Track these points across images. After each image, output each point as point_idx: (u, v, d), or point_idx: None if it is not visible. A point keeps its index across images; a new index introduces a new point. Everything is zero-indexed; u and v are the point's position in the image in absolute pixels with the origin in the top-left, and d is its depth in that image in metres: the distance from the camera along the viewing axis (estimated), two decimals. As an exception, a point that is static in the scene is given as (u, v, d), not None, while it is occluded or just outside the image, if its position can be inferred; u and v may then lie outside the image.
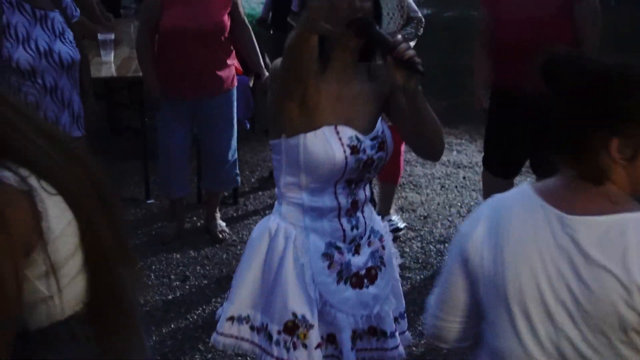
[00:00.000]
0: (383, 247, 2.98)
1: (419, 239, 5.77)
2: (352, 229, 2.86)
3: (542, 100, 4.63)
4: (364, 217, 2.90)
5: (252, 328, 2.87)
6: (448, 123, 8.41)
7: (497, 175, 5.31)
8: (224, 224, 5.82)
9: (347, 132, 2.73)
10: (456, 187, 6.78)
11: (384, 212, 5.82)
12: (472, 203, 6.35)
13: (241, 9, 5.43)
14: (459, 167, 7.22)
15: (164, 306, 4.85)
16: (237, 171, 5.73)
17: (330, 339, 2.89)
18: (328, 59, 2.72)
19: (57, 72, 4.65)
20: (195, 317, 4.74)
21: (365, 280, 2.91)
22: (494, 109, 5.22)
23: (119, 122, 7.93)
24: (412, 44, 5.45)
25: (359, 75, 2.77)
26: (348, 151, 2.71)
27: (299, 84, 2.60)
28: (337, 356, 2.92)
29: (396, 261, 3.09)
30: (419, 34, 5.54)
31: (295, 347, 2.78)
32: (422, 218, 6.11)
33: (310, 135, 2.70)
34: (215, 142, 5.55)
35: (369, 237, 2.94)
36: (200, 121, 5.50)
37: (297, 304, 2.78)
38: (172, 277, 5.19)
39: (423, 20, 5.56)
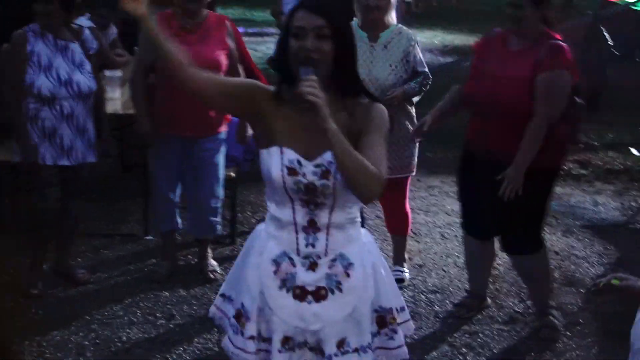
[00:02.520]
0: (348, 275, 3.03)
1: (411, 287, 5.73)
2: (306, 246, 3.01)
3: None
4: (327, 239, 3.01)
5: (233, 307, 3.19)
6: (453, 171, 8.39)
7: (473, 235, 5.32)
8: (215, 263, 5.82)
9: (290, 155, 2.93)
10: (456, 236, 6.74)
11: (396, 262, 5.82)
12: (465, 259, 6.30)
13: (236, 55, 5.49)
14: (462, 217, 7.18)
15: (147, 344, 4.84)
16: (218, 219, 5.74)
17: (268, 340, 3.06)
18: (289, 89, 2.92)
19: (74, 100, 5.19)
20: (175, 356, 4.72)
21: (310, 297, 3.02)
22: (463, 168, 5.28)
23: (129, 160, 7.99)
24: (415, 99, 5.48)
25: (332, 110, 2.83)
26: (285, 171, 2.92)
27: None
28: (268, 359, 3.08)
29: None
30: (424, 89, 5.48)
31: (236, 333, 3.08)
32: (417, 267, 6.07)
33: (264, 151, 2.99)
34: (198, 186, 5.58)
35: (333, 260, 3.03)
36: (190, 161, 5.54)
37: (244, 297, 3.08)
38: (158, 315, 5.19)
39: (430, 76, 5.49)
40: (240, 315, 3.07)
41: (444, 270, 6.07)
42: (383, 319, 3.12)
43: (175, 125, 5.38)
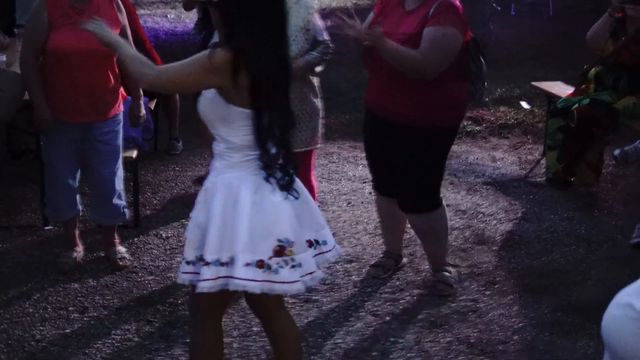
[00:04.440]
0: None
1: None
2: None
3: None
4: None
5: None
6: (353, 137, 8.38)
7: (383, 194, 5.38)
8: (124, 249, 5.63)
9: None
10: (362, 202, 6.72)
11: None
12: (378, 220, 6.27)
13: (129, 32, 5.30)
14: (365, 182, 7.15)
15: (62, 340, 4.63)
16: (125, 203, 5.54)
17: None
18: None
19: None
20: (94, 350, 4.54)
21: None
22: (365, 129, 5.33)
23: (18, 146, 7.67)
24: (318, 68, 5.36)
25: None
26: None
27: None
28: None
29: None
30: (326, 58, 5.32)
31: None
32: (328, 237, 6.01)
33: None
34: (100, 170, 5.36)
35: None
36: (87, 145, 5.32)
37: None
38: (70, 308, 4.98)
39: (331, 45, 5.35)
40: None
41: (356, 238, 6.03)
42: (280, 250, 3.42)
43: (71, 112, 5.16)
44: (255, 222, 3.36)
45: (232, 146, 3.44)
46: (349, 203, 6.74)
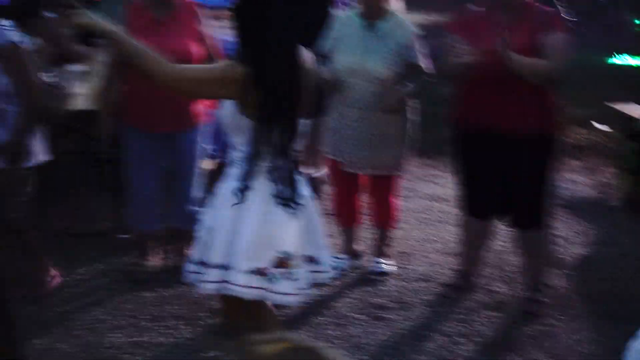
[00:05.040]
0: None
1: (395, 277, 5.62)
2: None
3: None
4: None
5: None
6: (427, 155, 8.32)
7: (475, 215, 5.25)
8: (197, 260, 5.65)
9: None
10: (433, 221, 6.67)
11: (377, 255, 5.70)
12: (449, 238, 6.21)
13: (211, 41, 5.31)
14: (437, 201, 7.10)
15: (132, 348, 4.66)
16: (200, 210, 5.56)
17: None
18: None
19: None
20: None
21: None
22: (463, 149, 5.19)
23: (94, 155, 7.76)
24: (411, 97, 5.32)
25: None
26: None
27: None
28: None
29: None
30: (422, 85, 5.32)
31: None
32: (400, 255, 5.97)
33: None
34: (182, 178, 5.41)
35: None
36: (169, 155, 5.37)
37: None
38: (141, 317, 5.01)
39: (426, 70, 5.30)
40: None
41: (426, 257, 5.98)
42: (283, 262, 3.49)
43: (152, 122, 5.21)
44: (262, 232, 3.44)
45: (242, 155, 3.51)
46: (420, 221, 6.69)
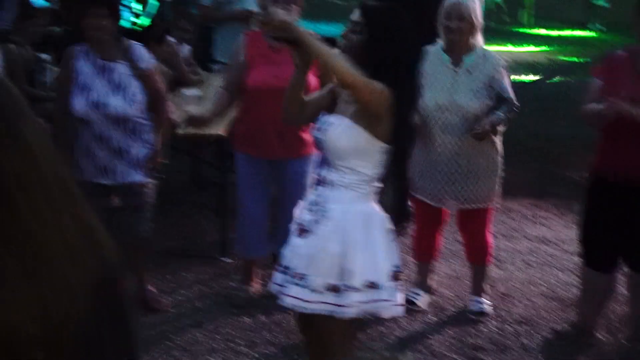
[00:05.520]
0: (317, 223, 3.72)
1: (495, 318, 5.54)
2: (313, 195, 3.80)
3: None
4: (324, 193, 3.72)
5: None
6: (536, 194, 8.21)
7: (595, 267, 5.10)
8: (297, 289, 5.67)
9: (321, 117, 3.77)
10: (539, 264, 6.55)
11: (474, 293, 5.62)
12: (555, 282, 6.10)
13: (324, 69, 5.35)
14: (544, 243, 6.98)
15: (228, 372, 4.73)
16: None
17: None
18: None
19: (107, 123, 4.96)
20: (258, 386, 4.61)
21: (298, 232, 3.84)
22: (596, 198, 5.02)
23: (203, 178, 7.92)
24: (501, 127, 5.27)
25: None
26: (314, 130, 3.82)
27: None
28: None
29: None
30: (510, 117, 5.22)
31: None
32: (501, 296, 5.88)
33: None
34: (289, 205, 5.44)
35: (319, 210, 3.73)
36: (279, 182, 5.43)
37: None
38: (239, 342, 5.06)
39: (516, 103, 5.23)
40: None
41: (530, 300, 5.86)
42: (341, 277, 3.62)
43: (263, 148, 5.29)
44: (390, 249, 3.72)
45: (364, 178, 3.67)
46: (525, 263, 6.58)
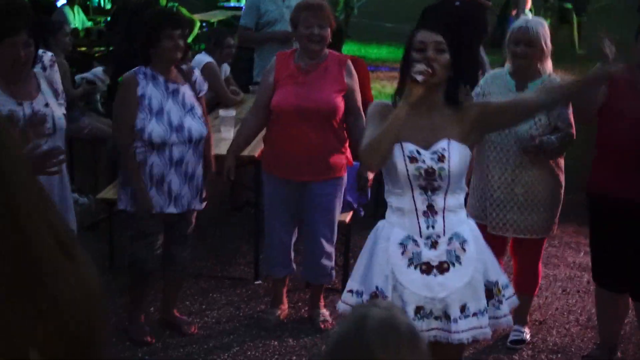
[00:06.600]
0: (464, 250, 3.68)
1: (530, 346, 5.41)
2: (427, 227, 3.65)
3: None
4: (444, 221, 3.65)
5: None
6: (580, 221, 8.03)
7: (606, 287, 5.04)
8: (327, 313, 5.60)
9: (409, 147, 3.64)
10: (578, 292, 6.40)
11: (518, 322, 5.43)
12: (593, 311, 5.95)
13: (357, 97, 5.29)
14: (584, 270, 6.82)
15: (253, 396, 4.67)
16: (333, 264, 5.54)
17: None
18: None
19: (184, 147, 4.89)
20: (282, 411, 4.54)
21: (435, 270, 3.64)
22: (598, 218, 4.97)
23: (239, 199, 7.90)
24: (560, 160, 5.15)
25: (438, 107, 3.71)
26: (407, 160, 3.62)
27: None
28: None
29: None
30: (563, 147, 5.08)
31: None
32: (536, 323, 5.75)
33: None
34: (314, 230, 5.40)
35: (450, 238, 3.67)
36: (304, 205, 5.39)
37: (378, 279, 3.65)
38: (265, 365, 5.02)
39: (573, 134, 5.06)
40: (376, 297, 3.60)
41: (566, 329, 5.73)
42: (490, 292, 3.74)
43: (289, 170, 5.25)
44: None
45: (463, 200, 3.79)
46: (563, 290, 6.43)
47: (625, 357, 5.28)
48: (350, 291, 3.85)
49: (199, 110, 5.04)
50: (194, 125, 4.96)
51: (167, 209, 4.98)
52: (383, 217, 3.85)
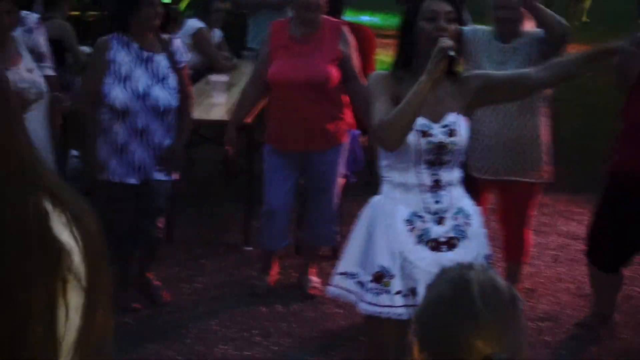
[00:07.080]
0: (468, 224, 3.59)
1: (520, 314, 5.42)
2: (435, 203, 3.53)
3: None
4: (450, 195, 3.56)
5: (357, 282, 3.60)
6: (571, 190, 8.04)
7: (598, 267, 5.01)
8: (317, 280, 5.61)
9: (419, 120, 3.44)
10: (569, 260, 6.40)
11: None
12: (582, 279, 5.95)
13: (353, 62, 5.25)
14: (576, 239, 6.82)
15: (240, 362, 4.69)
16: (336, 228, 5.54)
17: (413, 292, 3.48)
18: (414, 71, 3.48)
19: (150, 116, 4.76)
20: (270, 377, 4.56)
21: (444, 247, 3.54)
22: (613, 197, 4.90)
23: (234, 166, 7.87)
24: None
25: (440, 80, 3.43)
26: (420, 134, 3.45)
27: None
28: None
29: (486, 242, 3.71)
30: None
31: (379, 293, 3.49)
32: (526, 291, 5.75)
33: None
34: (318, 197, 5.40)
35: (456, 213, 3.57)
36: (307, 174, 5.40)
37: (382, 258, 3.49)
38: (254, 331, 5.02)
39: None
40: (382, 276, 3.49)
41: (555, 297, 5.74)
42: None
43: (289, 141, 5.24)
44: None
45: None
46: (554, 259, 6.44)
47: (615, 326, 5.28)
48: (344, 273, 3.66)
49: (172, 81, 4.90)
50: (162, 95, 4.82)
51: (127, 179, 4.91)
52: (377, 183, 3.73)
